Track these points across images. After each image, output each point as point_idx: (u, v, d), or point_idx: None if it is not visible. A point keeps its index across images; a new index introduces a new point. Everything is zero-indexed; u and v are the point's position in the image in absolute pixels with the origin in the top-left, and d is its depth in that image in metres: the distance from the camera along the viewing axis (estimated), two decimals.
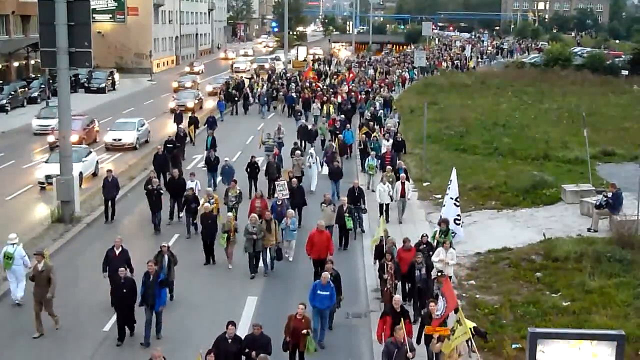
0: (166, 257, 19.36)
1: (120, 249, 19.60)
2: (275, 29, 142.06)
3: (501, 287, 20.66)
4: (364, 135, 36.53)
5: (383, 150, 33.59)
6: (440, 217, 22.41)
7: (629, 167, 33.71)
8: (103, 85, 65.62)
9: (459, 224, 22.26)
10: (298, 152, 32.46)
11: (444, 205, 22.91)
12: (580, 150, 35.15)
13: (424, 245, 20.16)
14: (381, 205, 26.88)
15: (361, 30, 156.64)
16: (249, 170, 30.51)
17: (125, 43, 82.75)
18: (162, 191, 26.25)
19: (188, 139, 39.72)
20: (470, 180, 31.95)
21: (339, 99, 50.52)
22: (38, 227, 26.43)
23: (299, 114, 47.05)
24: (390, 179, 27.63)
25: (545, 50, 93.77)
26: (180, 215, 26.62)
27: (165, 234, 25.43)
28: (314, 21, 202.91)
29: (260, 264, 22.18)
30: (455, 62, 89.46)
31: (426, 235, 20.80)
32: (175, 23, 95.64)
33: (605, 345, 10.58)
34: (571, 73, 75.16)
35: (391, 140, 35.35)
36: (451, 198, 22.48)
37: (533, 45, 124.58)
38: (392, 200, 27.06)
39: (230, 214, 23.43)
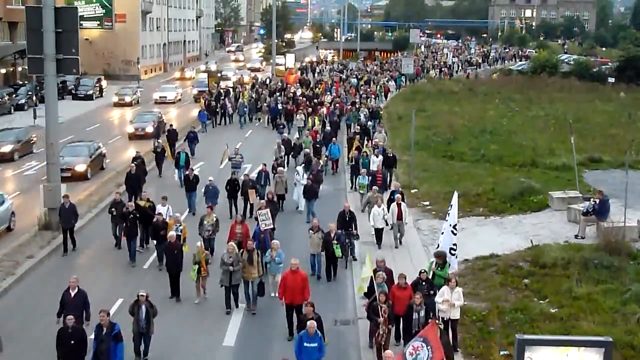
0: (144, 307, 16.69)
1: (76, 290, 17.11)
2: (261, 32, 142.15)
3: (489, 294, 20.67)
4: (355, 151, 34.06)
5: (373, 167, 31.48)
6: (438, 245, 20.42)
7: (616, 174, 33.86)
8: (90, 92, 65.46)
9: (454, 254, 19.98)
10: (281, 168, 30.52)
11: (442, 233, 20.46)
12: (567, 157, 35.26)
13: (423, 283, 17.90)
14: (376, 230, 24.95)
15: (349, 38, 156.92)
16: (228, 187, 28.25)
17: (113, 50, 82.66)
18: (138, 215, 23.63)
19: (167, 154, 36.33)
20: (458, 187, 31.89)
21: (324, 110, 47.89)
22: (25, 234, 26.30)
23: (281, 126, 44.91)
24: (377, 199, 25.54)
25: (533, 58, 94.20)
26: (147, 246, 24.58)
27: (133, 266, 23.42)
28: (302, 28, 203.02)
29: (241, 298, 19.90)
30: (443, 69, 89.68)
31: (425, 271, 18.56)
32: (163, 30, 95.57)
33: (592, 351, 10.59)
34: (558, 80, 75.56)
35: (381, 157, 32.68)
36: (450, 225, 20.00)
37: (520, 52, 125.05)
38: (387, 224, 24.91)
39: (199, 243, 20.96)
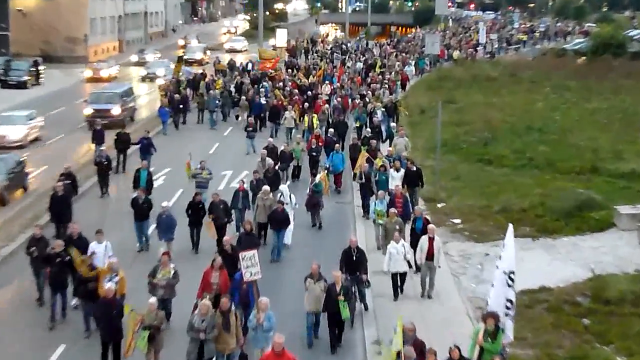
0: None
1: None
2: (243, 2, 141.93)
3: (538, 338, 20.70)
4: (365, 163, 31.53)
5: (391, 185, 29.64)
6: (487, 303, 18.43)
7: None
8: (24, 78, 65.23)
9: (508, 315, 17.71)
10: (266, 187, 27.94)
11: (493, 285, 18.22)
12: (637, 161, 35.30)
13: None
14: (394, 276, 22.93)
15: (357, 9, 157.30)
16: (190, 212, 26.70)
17: (54, 24, 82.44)
18: (66, 259, 21.07)
19: (114, 164, 35.91)
20: (498, 200, 32.03)
21: (327, 106, 45.59)
22: None
23: (251, 129, 42.16)
24: (394, 230, 23.92)
25: (593, 34, 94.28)
26: (74, 303, 21.91)
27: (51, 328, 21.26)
28: None
29: None
30: (473, 50, 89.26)
31: (456, 346, 16.50)
32: None
33: None
34: (626, 63, 75.51)
35: (402, 171, 30.82)
36: (504, 272, 17.77)
37: (577, 27, 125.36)
38: (410, 267, 23.36)
39: (153, 299, 18.98)
